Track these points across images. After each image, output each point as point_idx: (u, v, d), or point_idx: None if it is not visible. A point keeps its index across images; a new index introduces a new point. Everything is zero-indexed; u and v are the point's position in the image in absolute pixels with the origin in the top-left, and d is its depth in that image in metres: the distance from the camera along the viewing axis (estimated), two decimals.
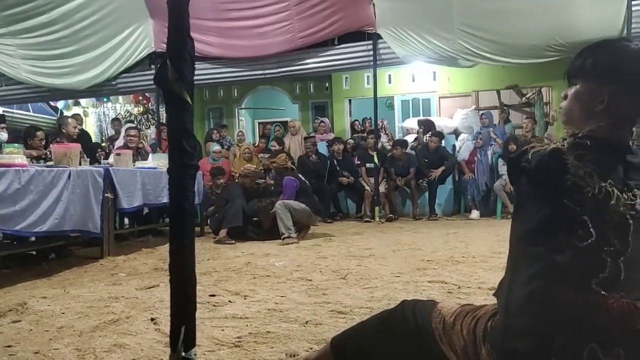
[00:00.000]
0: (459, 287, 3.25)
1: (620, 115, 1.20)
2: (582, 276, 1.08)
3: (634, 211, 1.11)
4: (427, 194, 8.08)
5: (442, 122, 9.44)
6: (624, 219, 1.10)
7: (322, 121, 9.81)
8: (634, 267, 1.09)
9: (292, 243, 5.52)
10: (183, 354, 1.33)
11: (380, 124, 10.06)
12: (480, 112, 9.23)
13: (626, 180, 1.13)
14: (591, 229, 1.08)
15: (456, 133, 9.37)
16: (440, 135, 8.36)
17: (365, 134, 9.63)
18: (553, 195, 1.11)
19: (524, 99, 9.98)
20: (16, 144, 4.74)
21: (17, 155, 4.08)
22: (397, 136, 9.80)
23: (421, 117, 9.69)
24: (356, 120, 10.45)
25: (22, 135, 6.10)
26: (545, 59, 7.20)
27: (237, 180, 6.69)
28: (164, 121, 9.48)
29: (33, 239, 4.53)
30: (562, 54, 7.02)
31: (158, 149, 8.24)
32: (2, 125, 5.15)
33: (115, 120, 10.43)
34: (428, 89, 10.42)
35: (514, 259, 1.20)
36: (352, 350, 1.56)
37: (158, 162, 6.18)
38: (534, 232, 1.13)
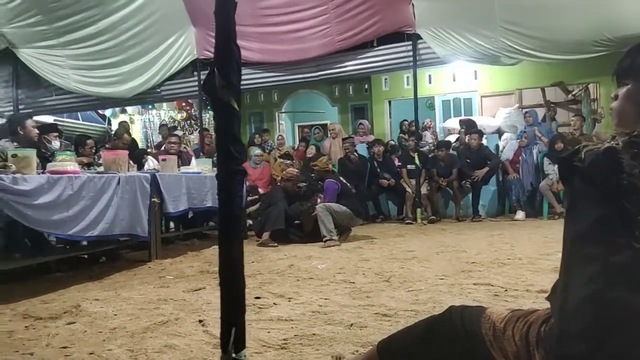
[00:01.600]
0: (506, 290, 3.19)
1: None
2: None
3: None
4: (470, 195, 7.95)
5: (484, 122, 9.27)
6: None
7: (360, 123, 9.78)
8: None
9: (334, 245, 5.53)
10: (234, 355, 1.35)
11: (428, 123, 9.94)
12: (524, 110, 9.02)
13: None
14: None
15: (499, 132, 9.18)
16: (479, 133, 8.20)
17: (406, 135, 9.55)
18: (609, 196, 1.06)
19: (570, 96, 9.69)
20: (68, 152, 4.92)
21: (69, 163, 4.24)
22: (439, 137, 9.67)
23: (462, 117, 9.52)
24: (405, 120, 10.26)
25: (72, 143, 6.35)
26: (592, 54, 6.99)
27: (279, 184, 6.74)
28: (206, 126, 9.68)
29: (85, 243, 4.70)
30: (609, 48, 6.79)
31: (201, 153, 8.41)
32: (55, 134, 5.35)
33: (163, 127, 10.72)
34: (469, 88, 10.25)
35: (569, 261, 1.15)
36: (399, 354, 1.55)
37: (202, 167, 6.31)
38: (590, 233, 1.09)
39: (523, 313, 1.33)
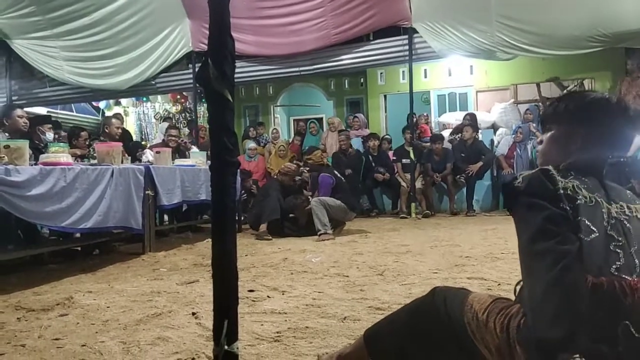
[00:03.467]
0: (499, 284, 3.20)
1: (593, 152, 1.36)
2: (600, 264, 1.18)
3: (626, 216, 1.26)
4: (464, 189, 7.96)
5: (479, 117, 9.27)
6: (620, 222, 1.24)
7: (355, 117, 9.76)
8: None
9: (328, 239, 5.54)
10: (226, 347, 1.35)
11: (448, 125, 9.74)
12: (521, 105, 9.03)
13: (609, 197, 1.28)
14: (592, 227, 1.20)
15: (494, 127, 9.19)
16: (473, 126, 8.19)
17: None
18: (551, 202, 1.22)
19: (565, 91, 9.69)
20: (61, 143, 4.89)
21: (62, 154, 4.21)
22: (434, 132, 9.64)
23: (468, 112, 9.39)
24: (421, 114, 10.04)
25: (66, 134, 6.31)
26: (587, 50, 7.00)
27: (275, 177, 6.70)
28: (200, 120, 9.65)
29: (78, 235, 4.68)
30: (604, 44, 6.81)
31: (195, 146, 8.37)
32: (49, 125, 5.31)
33: (168, 119, 10.75)
34: (465, 83, 10.24)
35: (527, 264, 1.26)
36: (385, 341, 1.57)
37: (196, 159, 6.29)
38: (540, 232, 1.21)
39: (504, 305, 1.36)
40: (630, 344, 1.13)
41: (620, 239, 1.22)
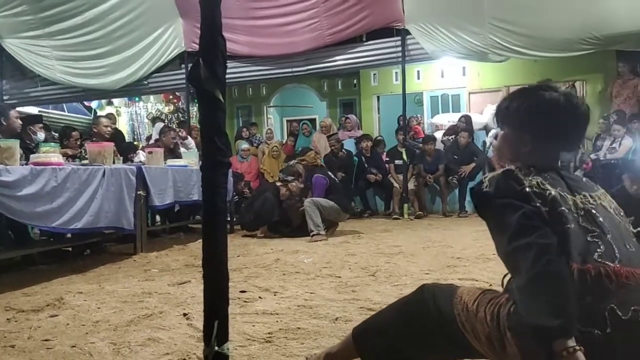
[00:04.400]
0: (490, 285, 3.20)
1: (543, 155, 1.41)
2: (581, 252, 1.22)
3: (592, 205, 1.32)
4: (457, 191, 7.99)
5: (472, 118, 9.31)
6: (589, 211, 1.30)
7: (347, 118, 9.74)
8: (621, 242, 1.28)
9: (320, 240, 5.54)
10: (216, 348, 1.35)
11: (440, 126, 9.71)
12: None
13: (571, 189, 1.33)
14: (568, 217, 1.25)
15: (486, 129, 9.21)
16: (470, 131, 8.24)
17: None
18: (522, 201, 1.26)
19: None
20: (52, 143, 4.86)
21: (53, 154, 4.18)
22: (427, 133, 9.66)
23: (464, 113, 9.39)
24: (412, 116, 10.00)
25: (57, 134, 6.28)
26: (579, 52, 7.04)
27: (278, 184, 6.53)
28: (193, 120, 9.62)
29: (69, 235, 4.65)
30: (596, 47, 6.85)
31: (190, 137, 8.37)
32: (40, 125, 5.28)
33: (156, 119, 10.72)
34: (457, 84, 10.27)
35: (512, 263, 1.29)
36: (374, 338, 1.57)
37: (188, 160, 6.27)
38: (519, 229, 1.24)
39: (494, 295, 1.39)
40: (618, 326, 1.17)
41: (593, 228, 1.27)
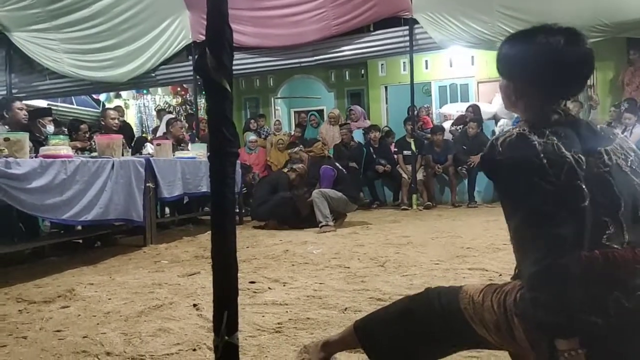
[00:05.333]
0: (500, 275, 3.19)
1: (534, 106, 1.32)
2: (591, 238, 1.16)
3: (607, 167, 1.22)
4: (466, 181, 7.95)
5: (481, 108, 9.25)
6: (603, 177, 1.21)
7: (351, 109, 9.67)
8: (632, 217, 1.20)
9: (329, 231, 5.54)
10: (226, 338, 1.35)
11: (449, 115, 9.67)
12: None
13: (587, 149, 1.23)
14: (585, 190, 1.16)
15: (495, 118, 9.15)
16: (479, 121, 8.18)
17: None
18: (537, 176, 1.17)
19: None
20: (61, 136, 4.88)
21: (63, 147, 4.20)
22: (435, 123, 9.61)
23: (472, 103, 9.32)
24: (422, 106, 9.94)
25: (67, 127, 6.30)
26: (589, 40, 6.93)
27: (286, 172, 6.57)
28: (200, 112, 9.63)
29: (79, 227, 4.68)
30: (606, 34, 6.76)
31: (196, 138, 8.37)
32: (49, 118, 5.31)
33: (162, 111, 10.68)
34: (466, 74, 10.19)
35: (521, 245, 1.25)
36: (377, 332, 1.57)
37: (197, 151, 6.28)
38: (530, 213, 1.19)
39: (499, 285, 1.39)
40: (622, 314, 1.14)
41: (606, 200, 1.19)
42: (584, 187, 1.16)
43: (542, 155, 1.18)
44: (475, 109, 8.55)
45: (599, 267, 1.16)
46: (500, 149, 1.24)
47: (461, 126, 8.57)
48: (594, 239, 1.17)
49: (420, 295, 1.52)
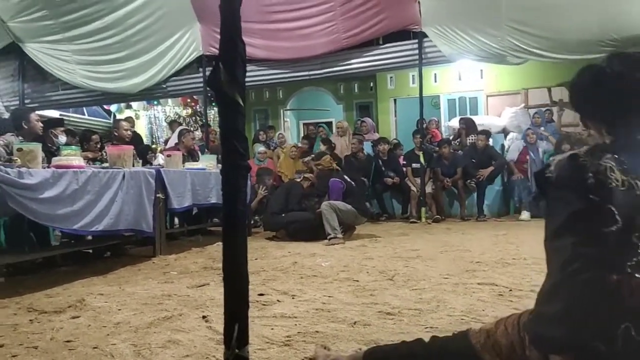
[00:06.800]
0: (510, 290, 3.18)
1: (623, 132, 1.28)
2: (616, 260, 1.13)
3: None
4: (475, 194, 7.92)
5: (490, 121, 9.24)
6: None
7: (363, 121, 9.71)
8: None
9: (338, 243, 5.53)
10: (237, 351, 1.35)
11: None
12: (532, 110, 8.99)
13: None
14: (617, 216, 1.13)
15: (505, 132, 9.14)
16: (487, 134, 8.18)
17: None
18: (578, 194, 1.18)
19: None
20: (73, 146, 4.93)
21: (74, 157, 4.24)
22: (444, 136, 9.61)
23: (463, 116, 9.41)
24: (431, 119, 9.98)
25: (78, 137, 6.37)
26: (598, 55, 6.93)
27: (299, 181, 6.61)
28: (210, 123, 9.68)
29: (89, 237, 4.71)
30: (616, 48, 6.74)
31: (206, 150, 8.41)
32: (62, 128, 5.36)
33: (174, 123, 10.77)
34: (475, 87, 10.21)
35: (547, 257, 1.25)
36: None
37: (206, 163, 6.31)
38: (561, 228, 1.19)
39: (512, 313, 1.43)
40: (629, 345, 1.11)
41: (636, 230, 1.15)
42: (614, 210, 1.14)
43: (589, 175, 1.18)
44: (467, 122, 8.62)
45: (615, 293, 1.12)
46: (553, 167, 1.27)
47: (458, 140, 8.63)
48: (618, 263, 1.14)
49: (430, 340, 1.57)
